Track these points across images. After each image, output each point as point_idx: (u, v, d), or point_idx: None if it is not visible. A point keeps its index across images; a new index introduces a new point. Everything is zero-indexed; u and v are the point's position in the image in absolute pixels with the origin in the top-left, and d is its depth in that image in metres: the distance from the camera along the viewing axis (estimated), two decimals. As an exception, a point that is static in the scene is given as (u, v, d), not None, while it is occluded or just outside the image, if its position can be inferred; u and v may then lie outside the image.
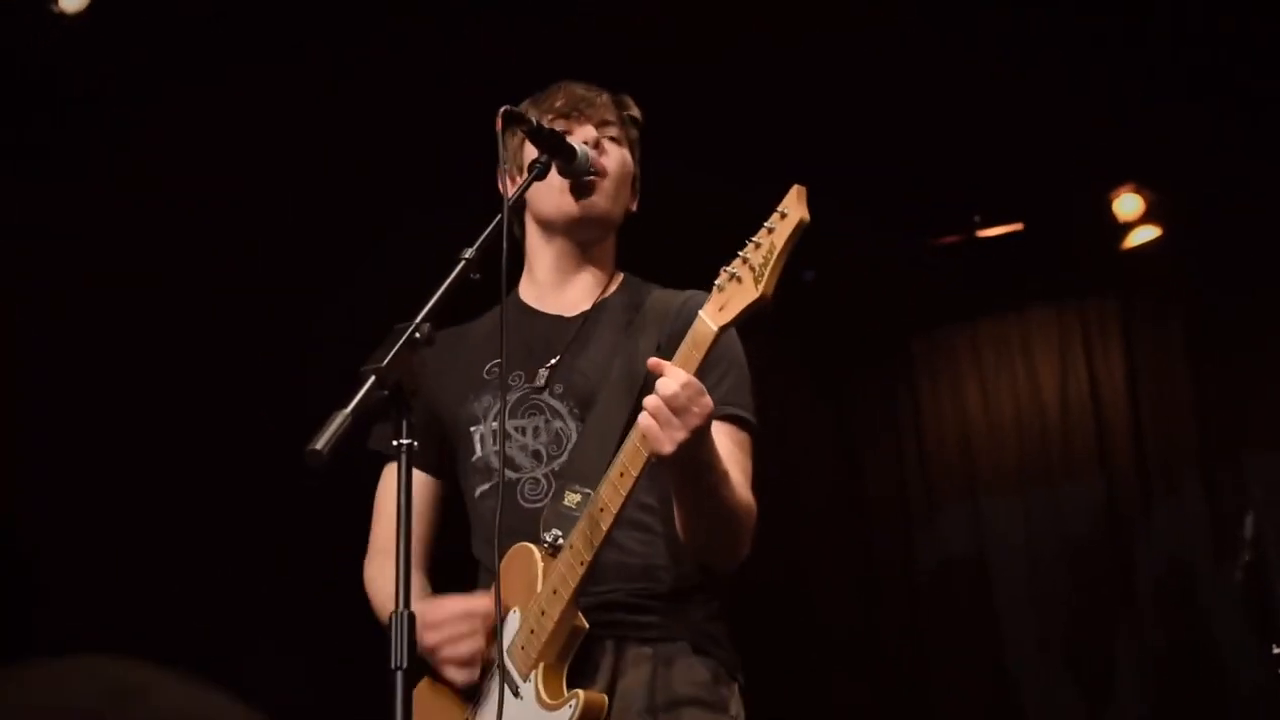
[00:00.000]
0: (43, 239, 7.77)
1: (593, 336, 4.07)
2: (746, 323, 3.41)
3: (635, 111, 4.28)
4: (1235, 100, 8.03)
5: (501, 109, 3.79)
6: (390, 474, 4.18)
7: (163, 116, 7.60)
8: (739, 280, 3.38)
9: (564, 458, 3.90)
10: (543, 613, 3.65)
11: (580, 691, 3.62)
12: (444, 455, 4.17)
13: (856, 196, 8.44)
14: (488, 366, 4.07)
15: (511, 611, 3.73)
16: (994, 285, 9.39)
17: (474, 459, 4.05)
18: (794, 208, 3.37)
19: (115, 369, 8.16)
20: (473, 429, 4.05)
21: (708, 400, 3.42)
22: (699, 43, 7.54)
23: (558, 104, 4.14)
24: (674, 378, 3.39)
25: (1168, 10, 7.67)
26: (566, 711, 3.60)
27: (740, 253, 3.39)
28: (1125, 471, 9.14)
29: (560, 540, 3.69)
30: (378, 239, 8.19)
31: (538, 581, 3.69)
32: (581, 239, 4.15)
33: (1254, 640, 8.12)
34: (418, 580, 4.02)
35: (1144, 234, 9.01)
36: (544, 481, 3.91)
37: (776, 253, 3.35)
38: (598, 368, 3.99)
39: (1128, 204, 8.98)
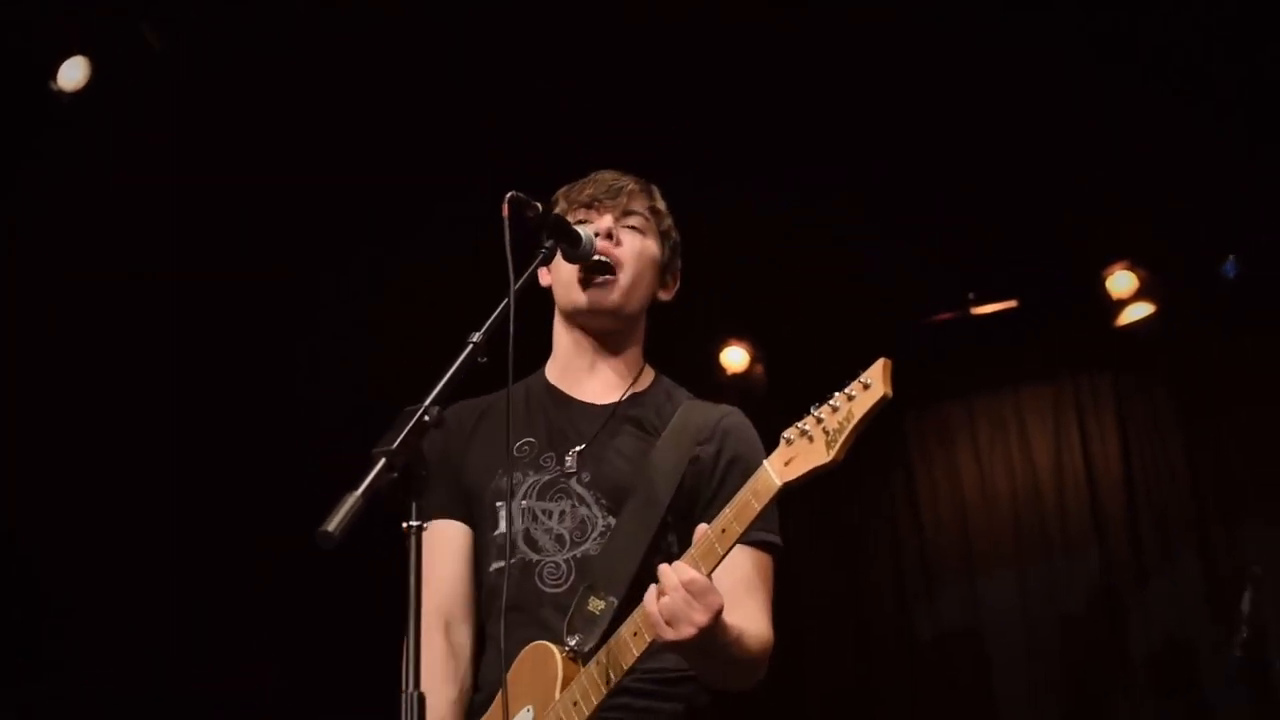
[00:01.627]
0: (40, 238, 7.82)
1: (622, 430, 4.05)
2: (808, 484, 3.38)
3: (659, 203, 4.24)
4: (1227, 180, 8.10)
5: (509, 195, 3.72)
6: (428, 543, 4.15)
7: (161, 115, 7.65)
8: (810, 439, 3.35)
9: (587, 546, 3.89)
10: None
11: None
12: (472, 514, 4.11)
13: (853, 271, 8.53)
14: (518, 445, 4.04)
15: (525, 709, 3.71)
16: (988, 362, 9.44)
17: (495, 533, 4.01)
18: (878, 381, 3.31)
19: (115, 368, 8.19)
20: (498, 504, 4.01)
21: (715, 599, 3.41)
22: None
23: (584, 195, 4.14)
24: (679, 576, 3.42)
25: (1164, 91, 7.73)
26: None
27: (814, 411, 3.36)
28: (1120, 544, 9.18)
29: (583, 646, 3.68)
30: (372, 238, 8.23)
31: (555, 685, 3.66)
32: (595, 329, 4.14)
33: (1253, 715, 8.14)
34: (457, 686, 3.99)
35: (1137, 311, 9.04)
36: (564, 567, 3.88)
37: (854, 423, 3.30)
38: (627, 464, 3.97)
39: (1121, 281, 9.02)
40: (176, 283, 8.23)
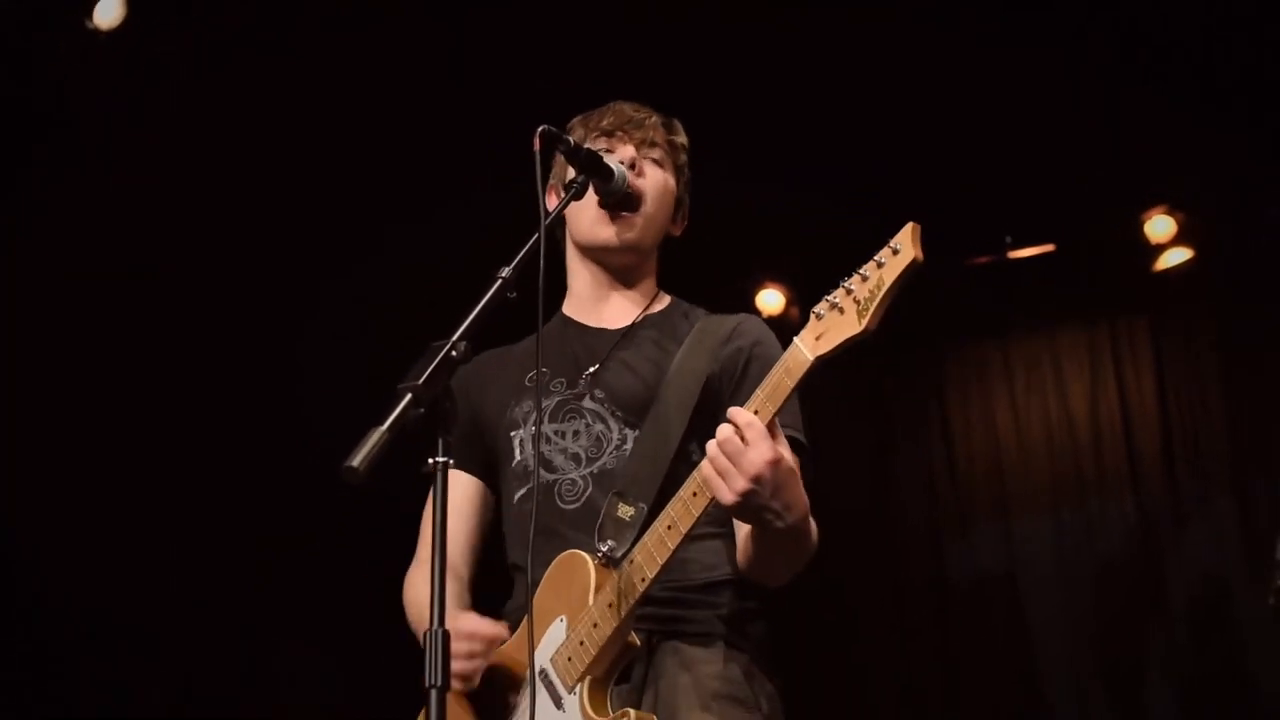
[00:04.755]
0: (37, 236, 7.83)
1: (636, 348, 4.08)
2: (841, 356, 3.34)
3: (682, 137, 4.28)
4: (1269, 124, 8.03)
5: (540, 128, 3.77)
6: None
7: (160, 114, 7.65)
8: (840, 311, 3.31)
9: (604, 461, 3.91)
10: (595, 625, 3.61)
11: (631, 711, 3.56)
12: (489, 460, 4.17)
13: (889, 216, 8.48)
14: (529, 375, 4.07)
15: (558, 619, 3.71)
16: (1025, 306, 9.41)
17: (513, 464, 4.06)
18: (907, 245, 3.27)
19: (115, 368, 8.20)
20: (512, 434, 4.06)
21: (771, 447, 3.32)
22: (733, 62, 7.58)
23: (604, 123, 4.16)
24: (735, 421, 3.34)
25: (1203, 36, 7.68)
26: None
27: (843, 283, 3.32)
28: (1156, 489, 9.15)
29: (616, 551, 3.66)
30: (372, 237, 8.22)
31: (589, 592, 3.65)
32: (615, 264, 4.19)
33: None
34: (454, 590, 3.97)
35: (1175, 256, 9.02)
36: (581, 483, 3.90)
37: (885, 289, 3.26)
38: (643, 376, 3.99)
39: (1159, 226, 9.00)
40: (176, 283, 8.25)
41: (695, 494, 3.48)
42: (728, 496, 3.34)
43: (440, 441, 3.12)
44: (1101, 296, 9.39)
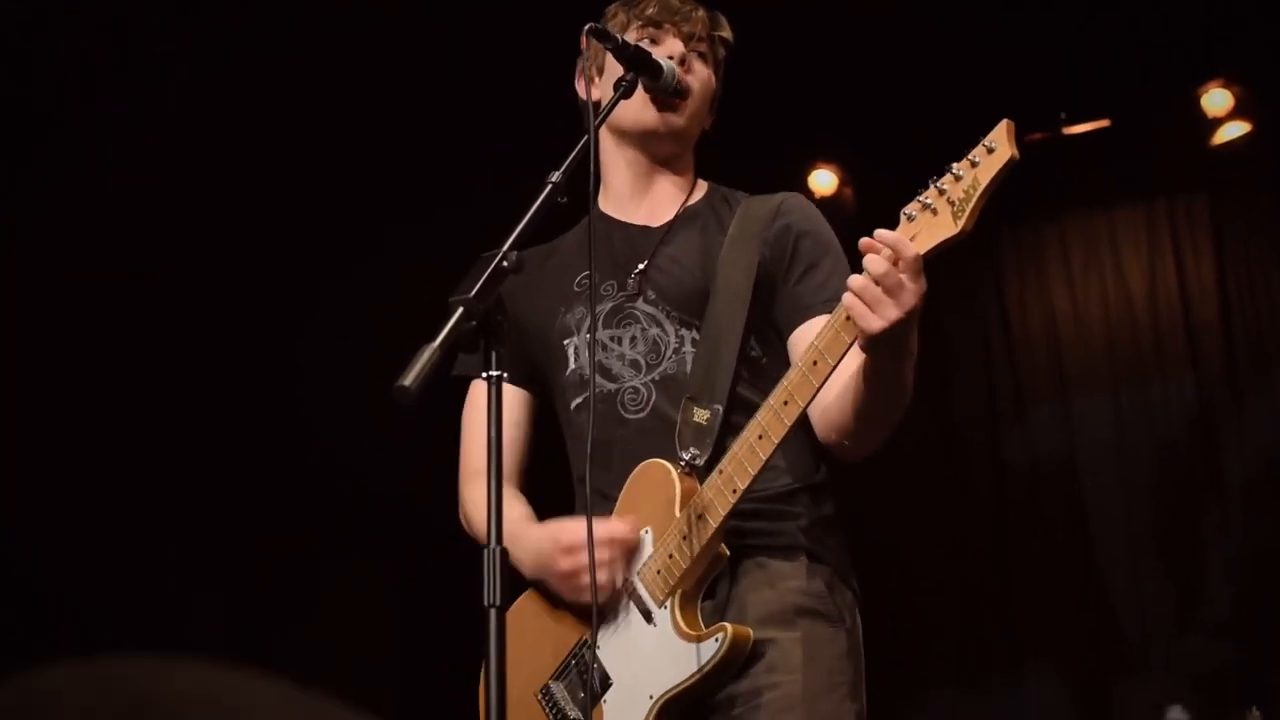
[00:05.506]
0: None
1: (681, 242, 4.00)
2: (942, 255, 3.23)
3: (727, 32, 4.18)
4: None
5: (588, 26, 3.74)
6: (477, 393, 4.11)
7: (160, 114, 7.61)
8: (934, 213, 3.21)
9: (664, 366, 3.84)
10: (685, 537, 3.54)
11: (728, 625, 3.51)
12: (534, 368, 4.09)
13: (943, 92, 8.40)
14: (577, 279, 4.01)
15: (643, 531, 3.65)
16: (1081, 183, 9.30)
17: (568, 373, 3.98)
18: (1003, 143, 3.16)
19: (115, 368, 8.19)
20: (566, 342, 3.98)
21: (923, 281, 3.23)
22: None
23: (649, 11, 4.05)
24: (886, 256, 3.20)
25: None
26: (711, 646, 3.50)
27: (935, 183, 3.22)
28: (1215, 369, 9.07)
29: (699, 459, 3.62)
30: (372, 234, 8.20)
31: (675, 503, 3.59)
32: (658, 152, 4.09)
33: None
34: (517, 504, 3.95)
35: (1233, 129, 8.89)
36: (644, 390, 3.83)
37: (981, 189, 3.16)
38: (691, 272, 3.91)
39: (1216, 99, 8.86)
40: (176, 283, 8.20)
41: (787, 402, 3.41)
42: (876, 324, 3.20)
43: (493, 355, 3.05)
44: (1159, 173, 9.27)
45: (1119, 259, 9.37)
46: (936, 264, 8.89)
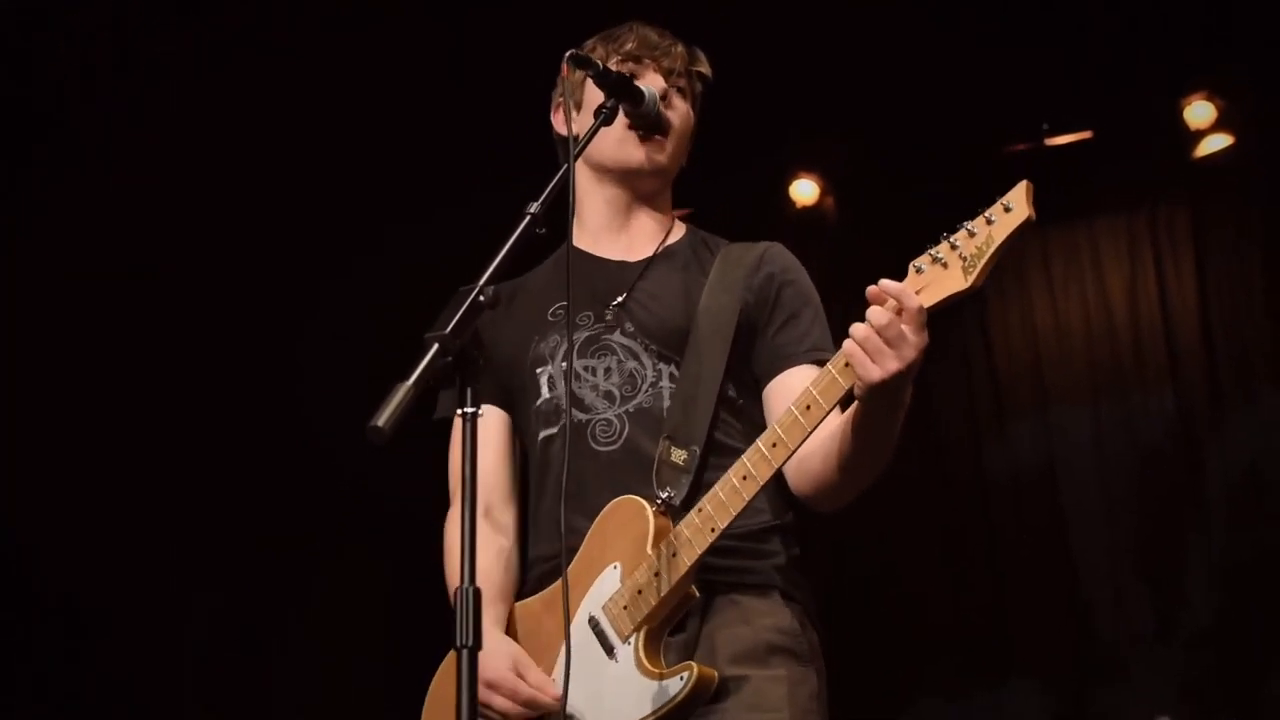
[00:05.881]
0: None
1: (661, 278, 3.99)
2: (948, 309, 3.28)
3: (705, 68, 4.18)
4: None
5: (568, 52, 3.71)
6: (457, 431, 4.05)
7: (160, 114, 7.59)
8: (944, 266, 3.24)
9: (639, 399, 3.83)
10: (657, 574, 3.53)
11: (694, 664, 3.51)
12: (510, 397, 4.06)
13: (926, 103, 8.40)
14: (551, 309, 3.98)
15: (610, 567, 3.64)
16: (1063, 194, 9.28)
17: (539, 403, 3.95)
18: (1020, 204, 3.21)
19: (115, 368, 8.19)
20: (539, 370, 3.95)
21: (925, 335, 3.26)
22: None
23: (628, 46, 4.04)
24: (889, 307, 3.24)
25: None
26: (676, 684, 3.49)
27: (949, 237, 3.25)
28: (1196, 381, 9.03)
29: (675, 498, 3.62)
30: (372, 234, 8.20)
31: (647, 540, 3.58)
32: (639, 189, 4.08)
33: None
34: (495, 562, 3.89)
35: (1216, 142, 8.86)
36: (617, 423, 3.81)
37: (995, 248, 3.21)
38: (672, 308, 3.91)
39: (1199, 112, 8.82)
40: (176, 283, 8.21)
41: (775, 445, 3.43)
42: (875, 374, 3.23)
43: (469, 392, 3.04)
44: (1140, 184, 9.24)
45: (1100, 269, 9.35)
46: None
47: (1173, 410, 9.06)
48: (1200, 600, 8.80)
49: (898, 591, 9.23)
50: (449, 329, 3.02)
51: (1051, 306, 9.42)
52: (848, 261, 9.38)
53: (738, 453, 3.58)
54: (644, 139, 3.97)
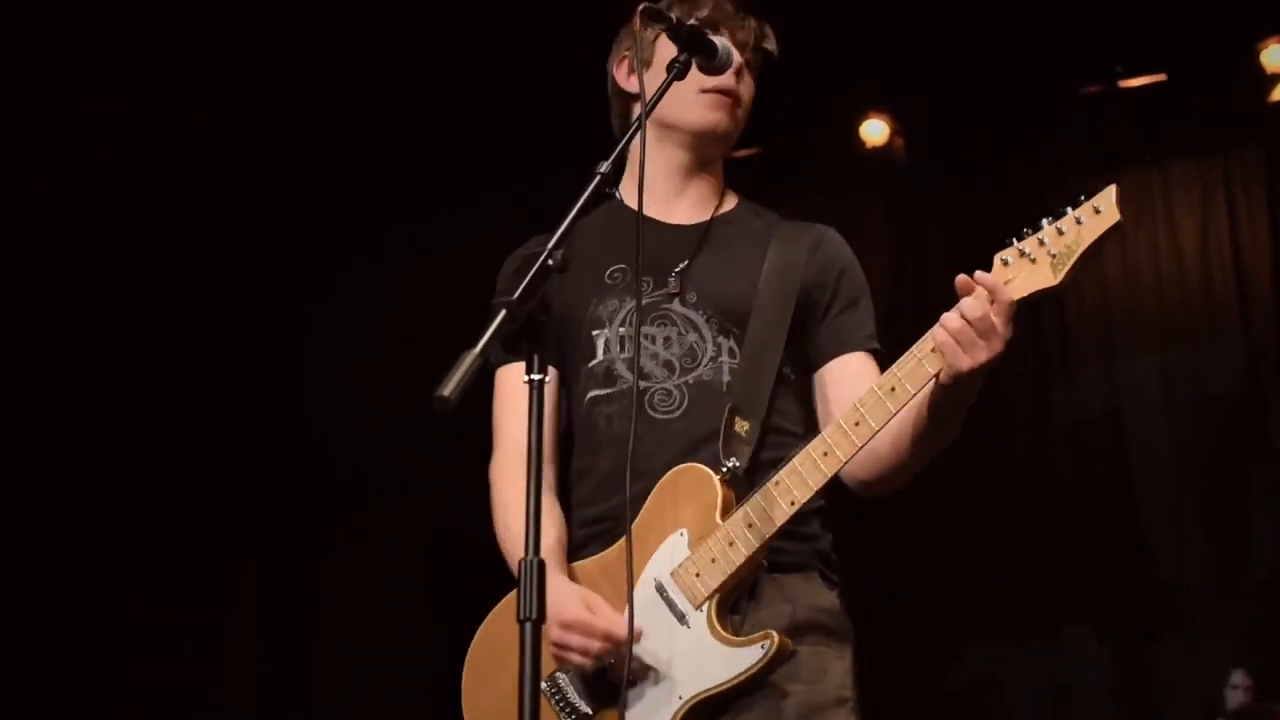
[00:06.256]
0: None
1: (720, 248, 3.96)
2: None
3: (772, 44, 4.11)
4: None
5: (641, 6, 3.60)
6: (508, 385, 3.97)
7: (160, 114, 7.56)
8: (1032, 261, 3.32)
9: (699, 371, 3.80)
10: (732, 544, 3.55)
11: (774, 633, 3.54)
12: (560, 348, 3.96)
13: (998, 43, 8.31)
14: (609, 270, 3.94)
15: (677, 533, 3.64)
16: (1135, 137, 9.19)
17: (592, 364, 3.90)
18: (1110, 208, 3.27)
19: (116, 369, 8.19)
20: (595, 333, 3.90)
21: (1012, 327, 3.33)
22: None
23: (704, 12, 3.93)
24: (982, 298, 3.31)
25: None
26: (756, 652, 3.53)
27: (1036, 232, 3.33)
28: (1267, 328, 8.95)
29: (739, 467, 3.63)
30: (372, 237, 8.18)
31: (715, 509, 3.60)
32: (705, 153, 4.04)
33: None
34: (552, 530, 3.81)
35: (1293, 86, 8.75)
36: (676, 393, 3.79)
37: (1084, 248, 3.29)
38: (734, 281, 3.88)
39: (1276, 55, 8.70)
40: (176, 283, 8.21)
41: (858, 423, 3.46)
42: (965, 364, 3.32)
43: (536, 358, 2.96)
44: (1214, 128, 9.12)
45: (1171, 215, 9.25)
46: (990, 213, 8.69)
47: (1242, 358, 8.99)
48: (1267, 552, 8.75)
49: (954, 539, 9.17)
50: (516, 295, 2.94)
51: (1121, 251, 9.31)
52: (915, 206, 9.36)
53: (789, 432, 3.75)
54: (720, 101, 3.92)
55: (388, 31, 7.31)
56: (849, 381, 3.73)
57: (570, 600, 3.62)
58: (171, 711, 8.64)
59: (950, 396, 3.45)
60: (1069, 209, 3.30)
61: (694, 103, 3.90)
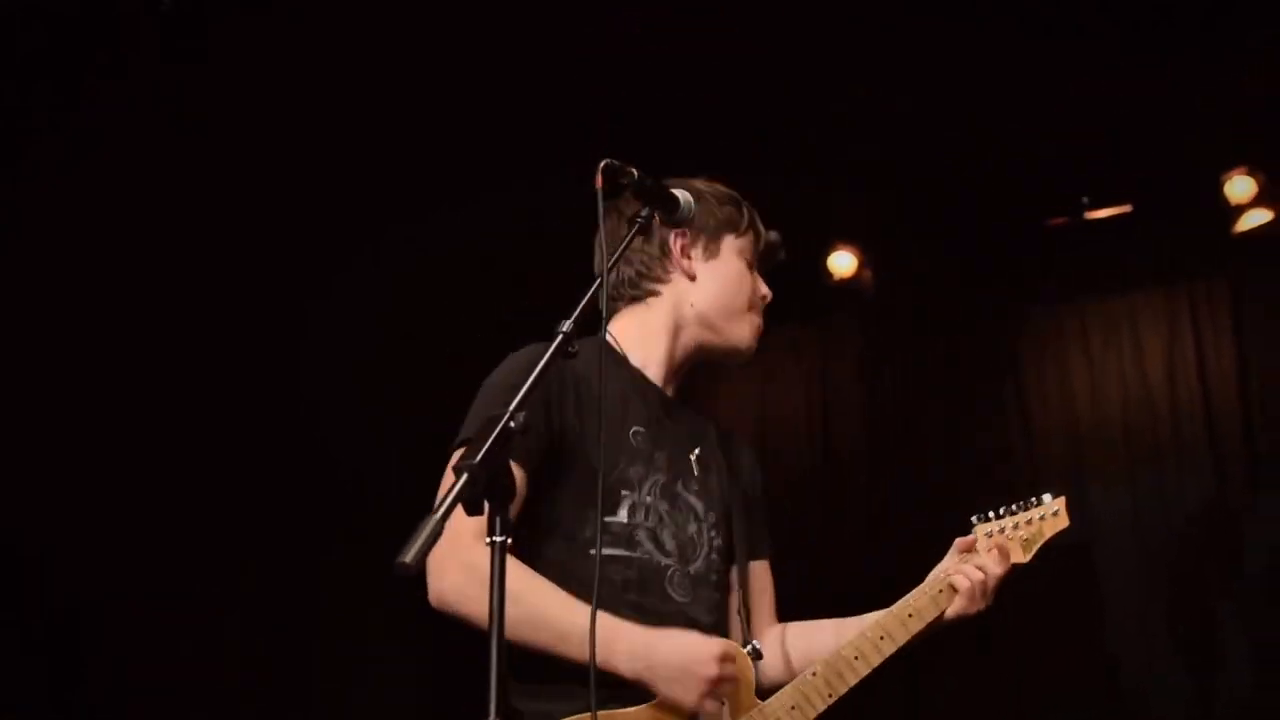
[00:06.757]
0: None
1: (714, 446, 4.24)
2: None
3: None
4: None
5: (602, 163, 3.53)
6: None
7: (160, 113, 7.60)
8: (1008, 539, 4.21)
9: (698, 564, 4.00)
10: None
11: None
12: (544, 461, 3.82)
13: (965, 177, 8.39)
14: (631, 431, 3.96)
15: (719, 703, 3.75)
16: (1102, 268, 9.27)
17: (611, 520, 3.84)
18: (1063, 514, 4.26)
19: (115, 369, 8.21)
20: (625, 493, 3.88)
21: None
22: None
23: (764, 241, 4.29)
24: (999, 564, 4.13)
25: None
26: None
27: (1005, 518, 4.25)
28: (1234, 457, 8.99)
29: (760, 649, 3.99)
30: (372, 237, 8.22)
31: (751, 686, 3.84)
32: (712, 362, 4.28)
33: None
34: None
35: (1256, 217, 8.83)
36: (688, 582, 3.95)
37: (1045, 539, 4.25)
38: (723, 483, 4.19)
39: (1240, 187, 8.80)
40: (176, 283, 8.26)
41: (883, 637, 4.02)
42: (973, 610, 4.09)
43: (498, 520, 2.98)
44: (1180, 259, 9.22)
45: (1139, 344, 9.32)
46: (958, 345, 8.76)
47: (1210, 486, 9.01)
48: (1237, 681, 8.74)
49: (920, 667, 9.15)
50: (478, 459, 2.95)
51: (1090, 380, 9.38)
52: (885, 335, 9.42)
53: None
54: (759, 329, 4.23)
55: (388, 32, 7.31)
56: (762, 585, 4.31)
57: (694, 635, 3.75)
58: (171, 711, 8.64)
59: (938, 626, 4.10)
60: (1032, 502, 4.25)
61: (744, 317, 4.18)
